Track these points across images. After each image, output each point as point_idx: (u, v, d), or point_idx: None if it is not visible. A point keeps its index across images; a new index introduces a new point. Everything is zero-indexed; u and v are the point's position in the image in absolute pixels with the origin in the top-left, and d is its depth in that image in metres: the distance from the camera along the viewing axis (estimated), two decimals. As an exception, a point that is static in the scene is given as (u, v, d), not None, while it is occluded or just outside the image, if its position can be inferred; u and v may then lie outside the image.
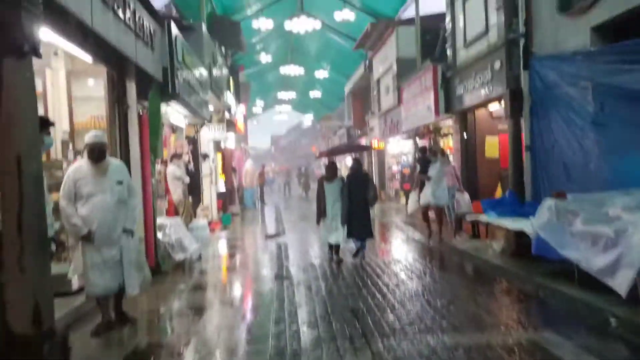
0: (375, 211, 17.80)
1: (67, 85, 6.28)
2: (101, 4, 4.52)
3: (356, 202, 7.53)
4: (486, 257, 7.26)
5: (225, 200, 16.88)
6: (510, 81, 8.96)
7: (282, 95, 35.68)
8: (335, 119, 38.13)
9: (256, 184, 21.12)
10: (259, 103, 37.05)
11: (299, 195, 32.67)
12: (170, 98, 7.07)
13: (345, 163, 36.49)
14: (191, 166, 10.41)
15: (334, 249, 7.74)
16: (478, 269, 7.06)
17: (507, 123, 9.39)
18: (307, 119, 51.52)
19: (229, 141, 18.71)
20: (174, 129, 10.16)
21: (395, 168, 20.42)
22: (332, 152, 11.50)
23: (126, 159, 6.66)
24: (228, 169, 17.22)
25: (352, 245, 7.94)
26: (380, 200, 21.90)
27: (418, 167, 10.42)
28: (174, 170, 9.50)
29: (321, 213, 7.62)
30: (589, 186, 6.61)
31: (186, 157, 10.29)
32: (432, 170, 9.07)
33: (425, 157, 9.78)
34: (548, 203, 5.45)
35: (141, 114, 6.82)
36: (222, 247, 9.70)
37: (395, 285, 6.13)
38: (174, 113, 8.61)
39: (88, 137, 4.70)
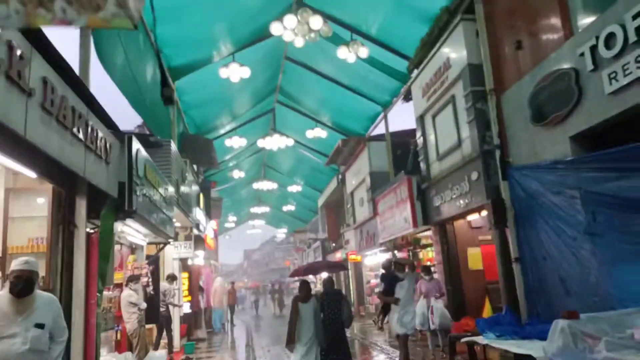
0: (354, 329, 16.53)
1: (5, 204, 5.54)
2: (40, 110, 4.01)
3: (330, 323, 6.91)
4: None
5: (190, 324, 15.41)
6: (490, 191, 8.75)
7: (255, 209, 35.37)
8: (309, 232, 37.64)
9: (225, 304, 19.63)
10: (232, 218, 36.47)
11: (271, 313, 30.80)
12: (127, 216, 6.36)
13: (320, 277, 35.23)
14: (150, 289, 9.35)
15: None
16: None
17: (490, 233, 9.02)
18: (281, 233, 50.89)
19: (198, 259, 17.70)
20: (133, 249, 9.28)
21: (373, 281, 19.49)
22: (305, 272, 10.88)
23: (67, 289, 5.72)
24: (195, 289, 15.97)
25: None
26: (358, 317, 20.58)
27: (382, 286, 9.06)
28: (129, 295, 8.44)
29: (292, 336, 6.83)
30: (591, 300, 6.06)
31: (145, 279, 9.28)
32: (400, 290, 7.90)
33: (391, 273, 8.45)
34: (560, 325, 4.75)
35: (91, 233, 6.04)
36: None
37: None
38: (132, 232, 7.83)
39: (14, 264, 3.90)
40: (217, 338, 16.17)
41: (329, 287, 7.48)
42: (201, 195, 17.02)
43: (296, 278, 14.28)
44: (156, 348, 10.51)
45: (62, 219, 5.72)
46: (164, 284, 11.13)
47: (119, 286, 8.86)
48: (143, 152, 7.00)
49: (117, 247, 9.20)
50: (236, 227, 42.89)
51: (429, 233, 13.50)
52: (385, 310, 7.52)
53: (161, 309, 10.71)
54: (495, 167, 8.67)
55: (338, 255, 25.79)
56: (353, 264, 22.45)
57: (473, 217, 11.04)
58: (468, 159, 9.46)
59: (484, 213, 9.70)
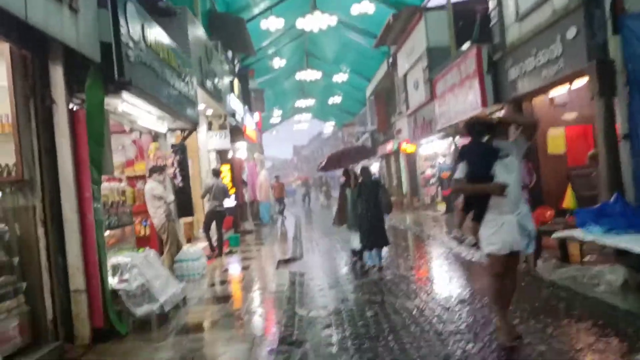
0: (406, 220, 15.55)
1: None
2: None
3: (368, 210, 7.52)
4: (596, 294, 4.91)
5: (235, 216, 14.81)
6: (593, 51, 6.78)
7: (301, 103, 33.74)
8: (357, 125, 35.96)
9: (272, 197, 18.97)
10: (277, 112, 35.22)
11: (320, 205, 30.59)
12: (120, 87, 4.97)
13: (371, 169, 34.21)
14: (178, 181, 8.32)
15: (358, 254, 8.06)
16: (588, 313, 4.65)
17: (576, 111, 7.13)
18: (328, 127, 49.46)
19: (240, 151, 16.71)
20: (154, 137, 8.11)
21: (429, 172, 18.00)
22: (329, 164, 9.98)
23: (51, 179, 4.58)
24: (238, 182, 15.15)
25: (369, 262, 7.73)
26: (412, 209, 19.53)
27: (461, 168, 4.91)
28: (152, 187, 7.42)
29: (341, 217, 8.33)
30: None
31: (171, 170, 8.21)
32: (504, 172, 3.95)
33: (480, 143, 4.14)
34: None
35: (75, 110, 4.75)
36: (218, 283, 7.51)
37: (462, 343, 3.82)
38: (140, 114, 6.53)
39: None
40: (265, 230, 15.64)
41: (366, 176, 7.87)
42: (236, 83, 15.53)
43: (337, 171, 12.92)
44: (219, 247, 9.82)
45: (31, 90, 4.40)
46: (211, 180, 10.13)
47: (142, 178, 7.85)
48: (135, 9, 5.40)
49: (134, 134, 8.09)
50: (282, 122, 41.89)
51: (499, 115, 11.58)
52: (468, 209, 4.23)
53: (215, 205, 9.75)
54: (602, 18, 6.67)
55: (389, 147, 24.23)
56: (405, 155, 20.91)
57: (557, 92, 9.10)
58: (562, 12, 7.38)
59: (577, 84, 7.74)
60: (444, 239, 10.11)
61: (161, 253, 7.61)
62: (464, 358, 3.78)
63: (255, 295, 6.38)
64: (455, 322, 4.71)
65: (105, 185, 5.78)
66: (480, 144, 4.11)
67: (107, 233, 5.66)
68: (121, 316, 5.00)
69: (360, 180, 7.81)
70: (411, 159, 20.29)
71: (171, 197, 7.61)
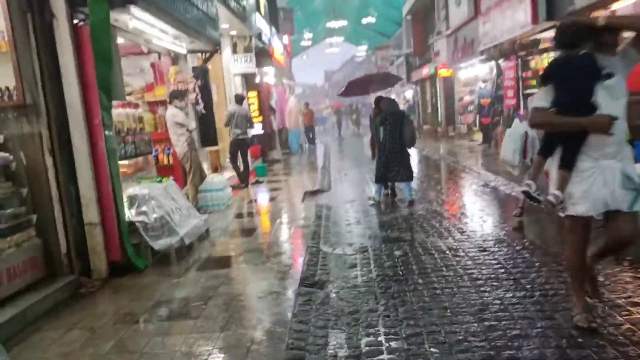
0: (440, 150, 14.90)
1: None
2: None
3: (392, 142, 7.28)
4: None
5: (263, 145, 14.52)
6: None
7: (332, 24, 32.04)
8: (392, 48, 34.22)
9: (301, 125, 18.49)
10: (307, 35, 33.63)
11: (351, 133, 30.00)
12: (126, 1, 4.44)
13: (404, 96, 32.92)
14: (200, 107, 7.91)
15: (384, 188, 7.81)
16: None
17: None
18: (361, 51, 47.41)
19: (268, 76, 16.07)
20: (174, 59, 7.61)
21: (467, 98, 16.99)
22: (353, 86, 9.56)
23: (57, 104, 4.23)
24: (266, 109, 14.67)
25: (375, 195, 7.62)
26: (447, 138, 18.74)
27: (544, 94, 2.98)
28: (173, 114, 7.05)
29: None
30: None
31: (192, 96, 7.78)
32: (606, 96, 2.79)
33: (576, 57, 2.88)
34: None
35: (80, 25, 4.28)
36: (243, 214, 7.30)
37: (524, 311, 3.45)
38: (154, 32, 5.99)
39: None
40: (294, 159, 15.35)
41: (391, 107, 7.53)
42: (262, 1, 14.53)
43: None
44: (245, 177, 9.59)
45: (27, 3, 3.93)
46: (234, 106, 9.67)
47: (163, 103, 7.46)
48: None
49: (152, 56, 7.61)
50: (313, 46, 40.24)
51: (549, 34, 10.44)
52: (549, 151, 3.12)
53: (237, 133, 9.39)
54: None
55: (425, 71, 22.95)
56: (442, 80, 19.75)
57: (620, 5, 8.02)
58: None
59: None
60: (480, 171, 9.54)
61: (185, 183, 7.40)
62: (501, 309, 3.41)
63: (279, 229, 6.13)
64: (493, 266, 4.31)
65: (119, 112, 5.42)
66: (576, 58, 2.89)
67: (124, 162, 5.41)
68: (139, 250, 4.83)
69: (383, 111, 7.45)
70: (448, 84, 19.17)
71: (193, 125, 7.25)
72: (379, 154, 7.42)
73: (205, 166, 8.54)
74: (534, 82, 11.52)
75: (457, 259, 4.54)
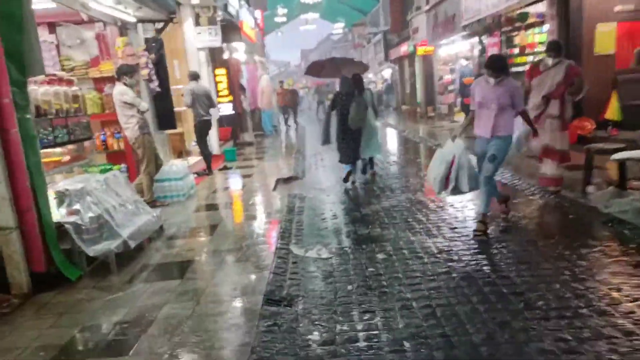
0: (419, 132, 14.23)
1: None
2: None
3: (342, 122, 7.19)
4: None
5: (234, 127, 13.60)
6: None
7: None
8: (369, 25, 33.22)
9: (275, 105, 17.55)
10: (281, 11, 32.27)
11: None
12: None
13: (382, 76, 32.11)
14: (154, 85, 6.98)
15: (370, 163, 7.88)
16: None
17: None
18: (337, 28, 46.15)
19: (238, 52, 15.05)
20: (122, 29, 6.65)
21: (448, 77, 16.32)
22: (316, 66, 9.58)
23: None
24: (235, 88, 13.69)
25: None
26: (426, 119, 18.10)
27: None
28: (122, 92, 6.13)
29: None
30: None
31: (145, 72, 6.85)
32: None
33: None
34: None
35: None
36: (204, 208, 6.45)
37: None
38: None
39: None
40: (268, 142, 14.47)
41: (343, 87, 7.42)
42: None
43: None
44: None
45: None
46: (191, 85, 8.73)
47: (110, 80, 6.51)
48: None
49: (97, 26, 6.64)
50: (288, 23, 38.81)
51: (536, 9, 9.81)
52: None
53: (201, 114, 8.53)
54: None
55: (403, 49, 22.15)
56: (421, 58, 19.01)
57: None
58: None
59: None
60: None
61: (138, 171, 6.53)
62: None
63: (245, 226, 5.34)
64: (498, 273, 3.64)
65: (45, 90, 4.51)
66: None
67: (53, 151, 4.52)
68: (73, 256, 3.99)
69: (340, 90, 7.52)
70: (428, 62, 18.45)
71: (145, 105, 6.33)
72: (336, 135, 7.40)
73: (164, 152, 7.66)
74: (518, 60, 10.89)
75: (451, 264, 3.86)
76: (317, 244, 4.61)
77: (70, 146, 4.95)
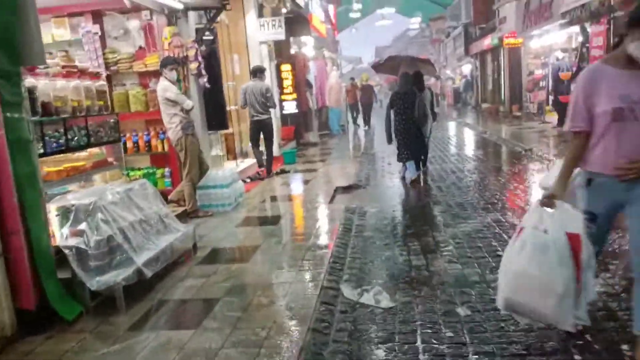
0: (502, 132, 12.59)
1: None
2: None
3: (401, 122, 7.10)
4: None
5: (298, 126, 12.82)
6: None
7: (383, -7, 29.53)
8: (448, 19, 31.28)
9: (344, 103, 16.58)
10: (356, 6, 31.25)
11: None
12: None
13: (460, 71, 30.09)
14: (204, 81, 6.26)
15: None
16: None
17: None
18: (414, 23, 44.32)
19: (306, 47, 14.27)
20: (170, 18, 5.98)
21: (539, 73, 14.48)
22: (388, 64, 8.73)
23: None
24: (301, 85, 12.89)
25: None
26: (511, 118, 16.26)
27: None
28: (165, 87, 5.46)
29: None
30: None
31: (194, 65, 6.14)
32: None
33: None
34: None
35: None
36: (250, 221, 5.59)
37: None
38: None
39: None
40: (333, 142, 13.54)
41: (402, 86, 7.19)
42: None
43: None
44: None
45: None
46: (247, 83, 8.02)
47: (156, 75, 5.87)
48: None
49: (143, 15, 6.03)
50: (363, 19, 37.73)
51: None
52: None
53: (251, 114, 7.87)
54: None
55: (486, 42, 20.33)
56: (508, 51, 17.20)
57: None
58: None
59: None
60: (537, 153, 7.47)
61: (181, 176, 5.84)
62: None
63: (288, 251, 4.38)
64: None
65: (64, 85, 3.85)
66: None
67: (73, 155, 3.86)
68: (74, 289, 3.28)
69: (396, 89, 7.37)
70: (515, 56, 16.64)
71: (190, 103, 5.61)
72: (395, 134, 7.24)
73: (213, 153, 6.95)
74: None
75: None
76: (375, 284, 3.57)
77: (94, 150, 4.30)
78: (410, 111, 6.93)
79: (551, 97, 13.01)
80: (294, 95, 12.43)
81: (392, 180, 7.75)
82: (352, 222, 5.15)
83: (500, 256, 3.74)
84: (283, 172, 8.50)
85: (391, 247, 4.38)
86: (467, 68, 28.24)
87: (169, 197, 5.89)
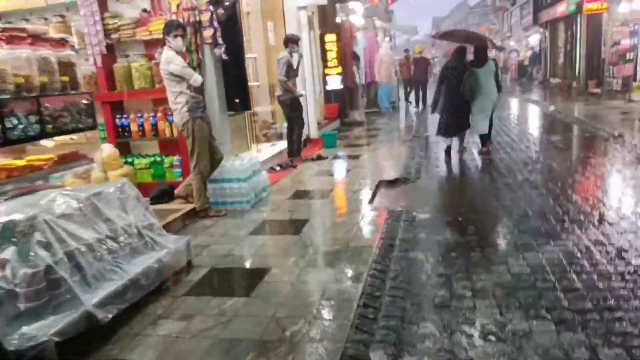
0: (573, 111, 10.74)
1: None
2: None
3: (452, 96, 6.97)
4: None
5: (343, 103, 11.60)
6: None
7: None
8: (515, -16, 28.55)
9: (395, 78, 15.08)
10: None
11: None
12: None
13: (527, 42, 27.44)
14: (220, 51, 5.17)
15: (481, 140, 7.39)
16: None
17: None
18: (476, -9, 41.20)
19: (354, 15, 12.92)
20: (175, -27, 4.91)
21: (626, 43, 12.39)
22: (454, 35, 8.38)
23: None
24: (347, 57, 11.59)
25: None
26: (587, 95, 14.18)
27: None
28: (168, 58, 4.43)
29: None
30: None
31: (208, 33, 5.06)
32: None
33: None
34: None
35: None
36: (266, 227, 4.46)
37: None
38: None
39: None
40: (381, 122, 12.18)
41: (453, 61, 7.20)
42: None
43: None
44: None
45: None
46: (283, 53, 6.90)
47: (161, 44, 4.85)
48: None
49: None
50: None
51: None
52: None
53: (286, 94, 6.85)
54: None
55: (560, 9, 18.01)
56: (586, 19, 14.99)
57: None
58: None
59: None
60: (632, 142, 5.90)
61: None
62: None
63: (306, 279, 3.26)
64: None
65: (5, 54, 2.87)
66: None
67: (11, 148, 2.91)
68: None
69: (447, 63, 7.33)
70: (595, 23, 14.45)
71: (198, 78, 4.56)
72: (443, 107, 7.18)
73: (236, 141, 5.93)
74: None
75: None
76: (422, 343, 2.41)
77: (60, 138, 3.35)
78: (457, 85, 6.86)
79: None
80: (339, 69, 11.20)
81: (447, 173, 6.45)
82: (395, 234, 3.97)
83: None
84: (320, 158, 7.37)
85: (444, 282, 3.17)
86: (534, 39, 25.65)
87: (176, 192, 4.95)
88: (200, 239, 4.09)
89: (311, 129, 8.92)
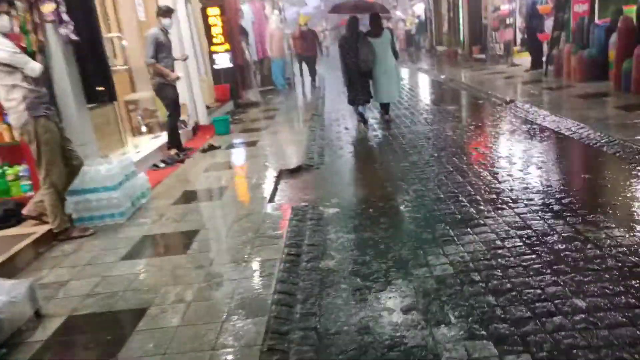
0: (462, 77, 11.00)
1: None
2: None
3: (352, 66, 7.07)
4: None
5: (235, 83, 10.75)
6: None
7: None
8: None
9: (288, 53, 14.44)
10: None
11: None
12: None
13: (412, 11, 28.12)
14: (67, 30, 4.15)
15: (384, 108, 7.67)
16: None
17: None
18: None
19: (238, -13, 11.94)
20: None
21: (505, 8, 12.86)
22: (345, 6, 8.15)
23: None
24: (234, 33, 10.68)
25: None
26: (472, 61, 14.72)
27: None
28: (-13, 45, 3.38)
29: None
30: None
31: (48, 7, 4.00)
32: None
33: None
34: None
35: None
36: (142, 249, 3.58)
37: None
38: None
39: None
40: (278, 100, 11.53)
41: (346, 30, 7.25)
42: None
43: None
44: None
45: None
46: (153, 29, 5.92)
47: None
48: None
49: None
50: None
51: None
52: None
53: (155, 78, 5.90)
54: None
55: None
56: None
57: None
58: None
59: None
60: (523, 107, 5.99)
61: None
62: None
63: (195, 319, 2.58)
64: None
65: None
66: None
67: None
68: None
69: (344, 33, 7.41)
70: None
71: (35, 67, 3.55)
72: (345, 78, 7.29)
73: (91, 138, 4.94)
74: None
75: None
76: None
77: None
78: (354, 57, 6.94)
79: (521, 36, 11.50)
80: (227, 46, 10.32)
81: (351, 155, 6.04)
82: (302, 238, 3.40)
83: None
84: (212, 148, 6.57)
85: (366, 298, 2.67)
86: (419, 8, 26.33)
87: (23, 212, 3.92)
88: (56, 274, 3.20)
89: (199, 114, 8.03)
